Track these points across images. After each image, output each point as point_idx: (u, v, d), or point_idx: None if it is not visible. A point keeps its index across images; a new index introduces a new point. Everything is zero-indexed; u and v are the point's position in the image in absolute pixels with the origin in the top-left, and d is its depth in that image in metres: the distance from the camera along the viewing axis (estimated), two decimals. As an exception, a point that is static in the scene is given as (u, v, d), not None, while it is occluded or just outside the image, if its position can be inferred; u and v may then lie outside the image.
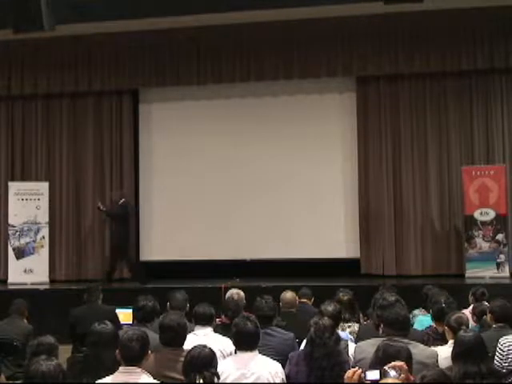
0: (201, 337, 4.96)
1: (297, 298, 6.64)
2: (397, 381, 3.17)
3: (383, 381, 3.16)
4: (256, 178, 11.43)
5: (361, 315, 6.39)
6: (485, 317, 5.76)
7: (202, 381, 3.55)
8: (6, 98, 12.11)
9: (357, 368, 3.39)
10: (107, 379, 3.82)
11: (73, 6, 9.78)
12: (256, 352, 4.30)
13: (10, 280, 11.29)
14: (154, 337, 4.52)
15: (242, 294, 6.44)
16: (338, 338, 4.45)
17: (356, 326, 5.64)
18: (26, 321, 6.61)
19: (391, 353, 3.53)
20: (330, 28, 10.96)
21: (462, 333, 4.24)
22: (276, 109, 11.56)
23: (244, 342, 4.29)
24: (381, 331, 4.37)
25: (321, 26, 10.94)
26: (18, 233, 11.32)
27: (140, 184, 11.97)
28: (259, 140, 11.50)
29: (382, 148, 11.23)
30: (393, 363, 3.28)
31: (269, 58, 11.18)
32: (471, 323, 5.59)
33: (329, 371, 4.01)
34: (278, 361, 4.40)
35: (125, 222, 10.88)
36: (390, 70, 11.04)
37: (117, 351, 3.87)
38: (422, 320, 6.10)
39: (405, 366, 3.28)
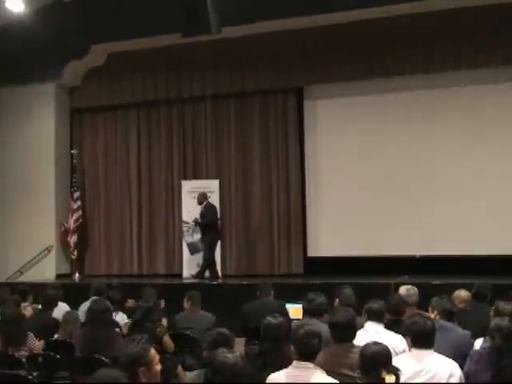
0: (372, 333, 4.90)
1: (470, 296, 6.40)
2: None
3: None
4: (424, 174, 11.05)
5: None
6: None
7: (393, 377, 3.47)
8: (177, 100, 12.65)
9: None
10: (281, 373, 3.85)
11: (237, 7, 10.07)
12: (432, 350, 4.18)
13: (184, 274, 11.81)
14: (325, 331, 4.50)
15: (414, 290, 6.30)
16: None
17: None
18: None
19: None
20: (505, 14, 10.34)
21: None
22: (448, 101, 11.08)
23: (421, 340, 4.19)
24: None
25: (494, 12, 10.36)
26: (191, 229, 11.80)
27: (306, 181, 12.03)
28: (432, 135, 11.08)
29: None
30: None
31: (437, 48, 10.77)
32: None
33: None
34: (452, 357, 4.25)
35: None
36: None
37: (291, 346, 3.88)
38: None
39: None
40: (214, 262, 11.24)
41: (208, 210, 11.15)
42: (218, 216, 11.45)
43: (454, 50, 10.72)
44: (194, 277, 11.25)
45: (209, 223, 11.10)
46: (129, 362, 3.52)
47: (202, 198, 11.23)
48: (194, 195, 11.68)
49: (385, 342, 3.97)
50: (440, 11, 10.57)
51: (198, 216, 11.21)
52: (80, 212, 12.75)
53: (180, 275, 11.92)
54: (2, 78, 12.72)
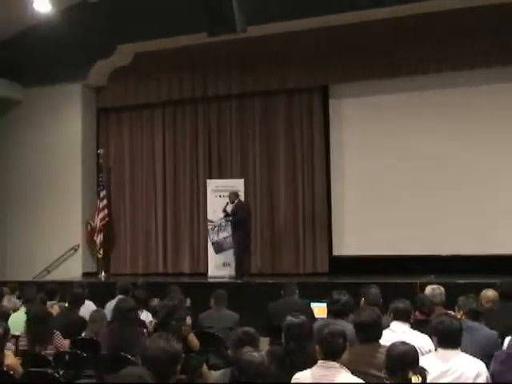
0: (399, 333, 4.85)
1: (497, 295, 6.32)
2: None
3: None
4: (450, 173, 10.99)
5: None
6: None
7: (419, 378, 3.44)
8: (202, 99, 12.69)
9: None
10: (306, 373, 3.84)
11: (262, 7, 10.07)
12: (458, 350, 4.15)
13: (209, 273, 11.82)
14: (350, 331, 4.48)
15: (440, 289, 6.24)
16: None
17: None
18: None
19: None
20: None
21: None
22: (474, 100, 10.96)
23: (447, 340, 4.16)
24: None
25: None
26: (216, 228, 11.83)
27: (331, 180, 11.98)
28: (458, 134, 10.96)
29: None
30: None
31: (463, 46, 10.65)
32: None
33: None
34: (479, 357, 4.21)
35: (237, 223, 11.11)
36: None
37: (316, 345, 3.87)
38: None
39: None
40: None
41: (239, 208, 11.18)
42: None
43: (464, 49, 10.63)
44: (240, 279, 11.09)
45: (239, 221, 11.13)
46: (170, 360, 3.46)
47: (234, 197, 11.28)
48: (220, 194, 11.72)
49: (411, 342, 3.94)
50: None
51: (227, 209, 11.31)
52: (106, 211, 12.85)
53: (205, 274, 11.94)
54: (29, 78, 12.87)
